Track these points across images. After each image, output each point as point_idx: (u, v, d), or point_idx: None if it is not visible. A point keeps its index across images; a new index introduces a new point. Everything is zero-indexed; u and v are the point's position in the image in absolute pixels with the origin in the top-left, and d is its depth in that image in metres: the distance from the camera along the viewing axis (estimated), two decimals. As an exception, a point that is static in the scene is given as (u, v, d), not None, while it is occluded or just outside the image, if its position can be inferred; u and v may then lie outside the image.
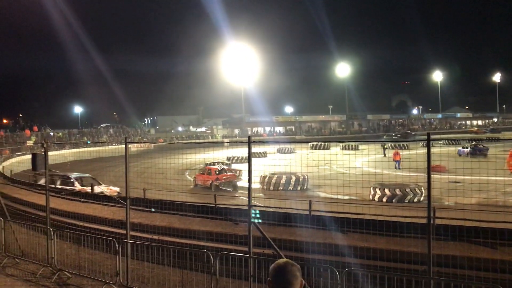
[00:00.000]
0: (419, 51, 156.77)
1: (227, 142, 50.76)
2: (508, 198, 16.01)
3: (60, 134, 59.18)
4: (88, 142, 52.68)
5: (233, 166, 31.46)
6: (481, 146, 35.98)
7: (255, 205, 9.05)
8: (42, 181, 17.92)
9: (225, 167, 25.40)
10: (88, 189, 16.89)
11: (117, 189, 18.38)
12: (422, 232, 7.38)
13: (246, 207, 8.10)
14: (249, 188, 8.12)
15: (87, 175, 20.94)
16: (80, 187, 18.28)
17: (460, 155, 33.36)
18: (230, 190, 22.77)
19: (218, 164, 25.67)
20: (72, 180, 18.88)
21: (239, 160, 35.16)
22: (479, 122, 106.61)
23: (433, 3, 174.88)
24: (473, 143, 36.88)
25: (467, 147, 35.69)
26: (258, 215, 9.06)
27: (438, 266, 6.93)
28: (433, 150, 6.92)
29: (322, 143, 45.63)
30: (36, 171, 10.96)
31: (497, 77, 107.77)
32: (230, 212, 10.60)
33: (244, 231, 8.45)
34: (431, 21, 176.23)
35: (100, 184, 18.83)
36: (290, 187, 21.85)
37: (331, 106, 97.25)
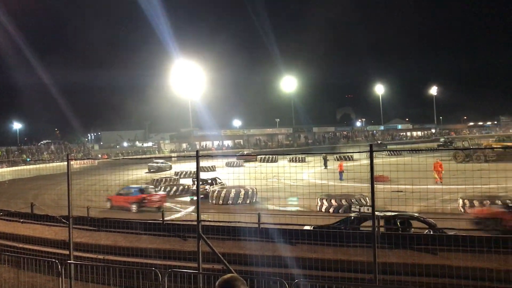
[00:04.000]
0: (362, 66, 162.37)
1: (174, 157, 50.10)
2: (446, 205, 16.80)
3: (-2, 152, 56.04)
4: (28, 159, 50.31)
5: (182, 181, 31.22)
6: None
7: (204, 220, 8.97)
8: None
9: None
10: None
11: None
12: (368, 241, 7.60)
13: (195, 222, 8.01)
14: (198, 203, 8.06)
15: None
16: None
17: None
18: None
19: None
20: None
21: (188, 175, 34.76)
22: (419, 133, 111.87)
23: (373, 20, 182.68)
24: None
25: None
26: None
27: (384, 274, 7.15)
28: (375, 161, 7.17)
29: (270, 156, 46.01)
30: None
31: (434, 90, 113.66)
32: (179, 228, 10.45)
33: (193, 247, 8.34)
34: (373, 36, 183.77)
35: None
36: (239, 201, 21.82)
37: (278, 119, 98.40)
